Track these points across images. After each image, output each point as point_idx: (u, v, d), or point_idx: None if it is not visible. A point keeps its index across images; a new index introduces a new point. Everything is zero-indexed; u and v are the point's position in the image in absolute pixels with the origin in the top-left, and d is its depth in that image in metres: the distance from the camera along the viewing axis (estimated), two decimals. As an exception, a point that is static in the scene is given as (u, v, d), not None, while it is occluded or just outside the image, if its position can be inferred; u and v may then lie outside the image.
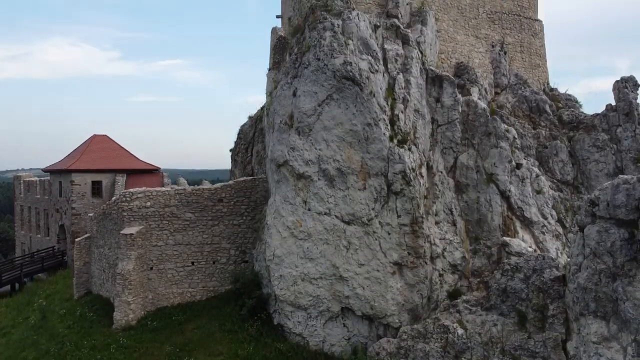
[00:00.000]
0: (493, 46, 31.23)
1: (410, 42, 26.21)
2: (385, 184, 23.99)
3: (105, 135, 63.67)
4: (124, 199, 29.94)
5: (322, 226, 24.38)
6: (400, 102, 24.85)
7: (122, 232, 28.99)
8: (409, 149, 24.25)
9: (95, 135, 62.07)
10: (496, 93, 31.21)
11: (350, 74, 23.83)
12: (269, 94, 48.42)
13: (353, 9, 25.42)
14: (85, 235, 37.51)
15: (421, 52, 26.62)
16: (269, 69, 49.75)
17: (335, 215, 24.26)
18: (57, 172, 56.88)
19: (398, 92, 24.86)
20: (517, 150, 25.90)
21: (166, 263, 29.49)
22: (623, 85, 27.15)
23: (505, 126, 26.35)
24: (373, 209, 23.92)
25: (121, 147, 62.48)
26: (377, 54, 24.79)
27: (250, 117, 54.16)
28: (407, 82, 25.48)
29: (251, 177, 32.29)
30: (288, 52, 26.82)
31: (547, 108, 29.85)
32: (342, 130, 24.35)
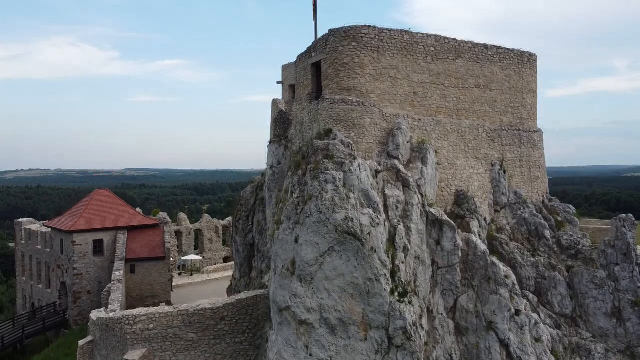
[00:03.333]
0: (493, 165, 31.47)
1: (411, 186, 26.47)
2: (386, 336, 24.36)
3: (107, 190, 64.15)
4: (127, 321, 30.24)
5: (324, 373, 24.71)
6: (401, 252, 25.15)
7: (125, 357, 29.35)
8: (410, 302, 24.60)
9: (96, 191, 62.55)
10: (496, 211, 31.49)
11: (352, 230, 24.12)
12: (270, 167, 48.85)
13: (355, 158, 25.60)
14: (88, 339, 37.80)
15: (421, 195, 26.87)
16: (270, 142, 50.15)
17: (337, 364, 24.58)
18: (59, 230, 57.09)
19: (399, 243, 25.15)
20: (516, 297, 26.26)
21: (169, 384, 29.82)
22: (621, 224, 27.48)
23: (505, 269, 26.68)
24: (374, 360, 24.27)
25: (122, 201, 62.87)
26: (378, 205, 25.03)
27: (251, 184, 54.58)
28: (408, 229, 25.78)
29: (253, 294, 32.58)
30: (290, 192, 26.98)
31: (547, 233, 30.16)
32: (343, 282, 24.69)
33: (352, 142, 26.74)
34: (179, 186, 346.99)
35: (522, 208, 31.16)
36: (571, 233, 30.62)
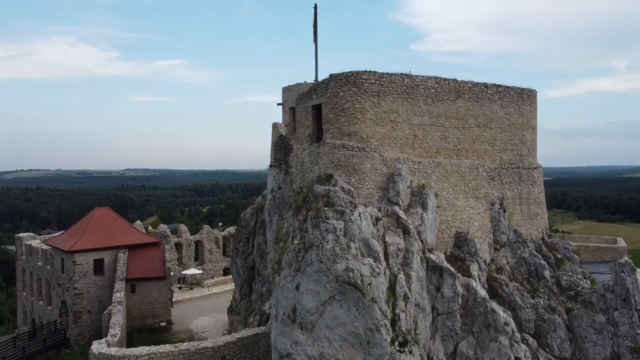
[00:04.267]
0: (492, 204, 31.57)
1: (411, 233, 26.58)
2: (387, 386, 24.49)
3: (107, 208, 64.21)
4: (128, 360, 30.38)
5: (327, 423, 24.80)
6: (401, 300, 25.29)
7: (127, 397, 29.50)
8: (410, 352, 24.75)
9: (97, 209, 62.62)
10: (495, 249, 31.61)
11: (353, 280, 24.26)
12: (271, 191, 48.88)
13: (355, 207, 25.70)
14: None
15: (421, 241, 27.00)
16: (270, 166, 50.27)
17: (340, 413, 24.67)
18: (59, 249, 57.17)
19: (399, 291, 25.28)
20: (515, 344, 26.41)
21: None
22: (620, 270, 27.63)
23: (505, 316, 26.83)
24: (376, 411, 24.37)
25: (122, 219, 63.00)
26: (378, 254, 25.16)
27: (251, 206, 54.69)
28: (408, 276, 25.92)
29: (253, 333, 32.73)
30: (291, 236, 27.07)
31: (546, 274, 30.29)
32: (344, 331, 24.83)
33: (352, 189, 26.84)
34: (179, 187, 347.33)
35: (521, 247, 31.30)
36: (570, 273, 30.75)
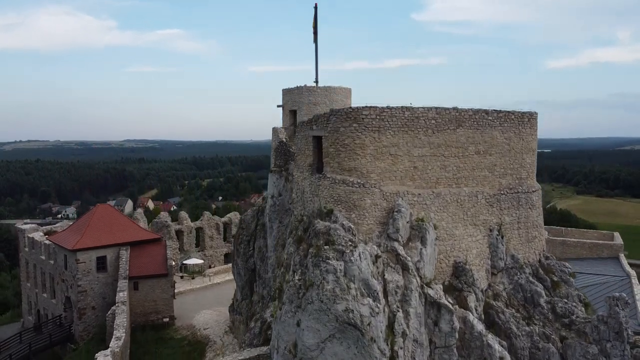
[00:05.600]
0: (491, 230, 31.94)
1: (410, 270, 27.06)
2: (385, 420, 25.34)
3: (108, 205, 64.72)
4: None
5: None
6: (399, 337, 25.95)
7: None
8: (408, 388, 25.53)
9: (98, 206, 63.15)
10: (493, 274, 32.15)
11: (352, 321, 24.86)
12: (271, 196, 49.33)
13: (355, 246, 26.10)
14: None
15: (420, 277, 27.49)
16: (271, 171, 50.55)
17: None
18: (62, 246, 57.83)
19: (397, 329, 25.92)
20: (510, 379, 27.21)
21: None
22: (614, 303, 28.22)
23: (500, 350, 27.54)
24: None
25: (124, 216, 63.57)
26: (378, 293, 25.69)
27: (252, 208, 55.16)
28: (407, 313, 26.52)
29: (255, 354, 33.54)
30: (292, 270, 27.54)
31: (542, 302, 30.91)
32: (343, 367, 25.53)
33: (352, 226, 27.22)
34: (178, 160, 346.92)
35: (518, 273, 31.87)
36: (566, 300, 31.38)
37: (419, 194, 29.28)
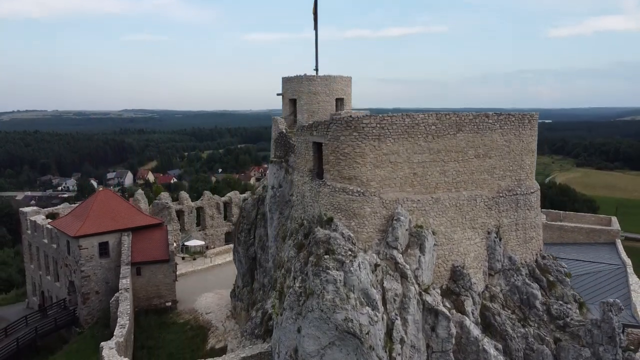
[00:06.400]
0: (489, 233, 32.31)
1: (408, 277, 27.53)
2: None
3: (109, 191, 64.99)
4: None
5: None
6: (397, 344, 26.60)
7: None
8: (405, 393, 26.32)
9: (99, 191, 63.46)
10: (490, 275, 32.68)
11: (352, 330, 25.46)
12: (271, 187, 49.65)
13: (355, 256, 26.50)
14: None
15: (418, 285, 27.99)
16: (271, 161, 50.70)
17: None
18: (64, 233, 58.37)
19: (396, 336, 26.54)
20: (505, 381, 27.99)
21: None
22: (608, 309, 28.78)
23: (496, 354, 28.24)
24: None
25: (125, 201, 63.91)
26: (376, 302, 26.22)
27: (252, 196, 55.46)
28: (405, 320, 27.11)
29: (257, 352, 34.12)
30: (293, 276, 28.02)
31: (537, 304, 31.50)
32: (343, 373, 26.27)
33: (352, 234, 27.59)
34: (178, 131, 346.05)
35: (515, 275, 32.39)
36: (561, 302, 31.98)
37: (418, 200, 29.57)
